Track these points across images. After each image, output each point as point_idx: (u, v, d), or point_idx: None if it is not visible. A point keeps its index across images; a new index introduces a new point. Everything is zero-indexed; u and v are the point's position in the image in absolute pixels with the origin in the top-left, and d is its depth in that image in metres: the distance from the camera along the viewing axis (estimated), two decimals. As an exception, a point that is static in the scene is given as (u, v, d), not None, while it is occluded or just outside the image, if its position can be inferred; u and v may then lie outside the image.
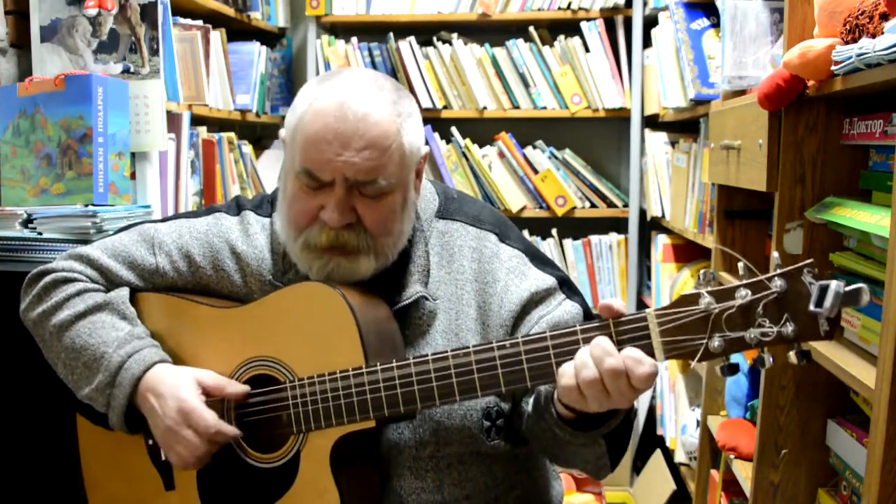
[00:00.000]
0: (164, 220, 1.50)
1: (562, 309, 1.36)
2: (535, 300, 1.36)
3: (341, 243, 1.29)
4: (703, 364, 1.19)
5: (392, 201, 1.29)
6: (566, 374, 1.13)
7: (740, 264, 1.10)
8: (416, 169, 1.34)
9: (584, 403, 1.14)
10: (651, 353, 1.11)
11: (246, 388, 1.33)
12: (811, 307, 1.05)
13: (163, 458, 1.38)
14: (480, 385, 1.20)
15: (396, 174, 1.28)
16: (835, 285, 1.03)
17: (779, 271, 1.07)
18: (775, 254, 1.09)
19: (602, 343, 1.11)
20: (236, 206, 1.47)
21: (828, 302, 1.03)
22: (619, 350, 1.11)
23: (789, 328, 1.07)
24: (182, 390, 1.30)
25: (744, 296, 1.08)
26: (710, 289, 1.10)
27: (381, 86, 1.30)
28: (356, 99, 1.26)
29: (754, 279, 1.08)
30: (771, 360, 1.09)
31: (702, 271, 1.12)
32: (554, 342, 1.16)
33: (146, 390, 1.32)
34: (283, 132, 1.35)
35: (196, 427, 1.28)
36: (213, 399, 1.33)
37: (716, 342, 1.09)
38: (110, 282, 1.44)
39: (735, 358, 1.15)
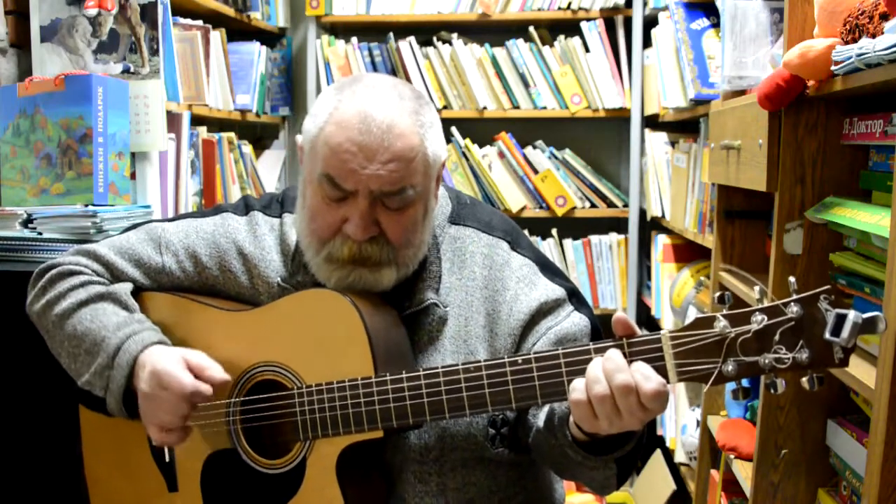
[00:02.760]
0: (172, 219, 1.49)
1: (570, 321, 1.35)
2: (544, 311, 1.35)
3: (364, 257, 1.28)
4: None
5: (414, 212, 1.29)
6: (577, 389, 1.12)
7: (756, 287, 1.09)
8: (437, 176, 1.34)
9: (595, 423, 1.12)
10: (664, 375, 1.10)
11: (226, 377, 1.30)
12: (827, 335, 1.04)
13: (166, 459, 1.38)
14: (491, 401, 1.19)
15: (422, 183, 1.28)
16: (853, 316, 1.02)
17: (795, 297, 1.06)
18: (791, 279, 1.08)
19: (614, 357, 1.10)
20: (244, 206, 1.46)
21: (845, 333, 1.02)
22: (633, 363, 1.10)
23: (804, 355, 1.06)
24: (163, 360, 1.29)
25: (759, 321, 1.07)
26: (725, 312, 1.09)
27: (402, 94, 1.29)
28: (379, 110, 1.24)
29: (770, 304, 1.07)
30: (784, 384, 1.09)
31: (717, 293, 1.11)
32: (566, 360, 1.16)
33: (138, 367, 1.31)
34: (300, 139, 1.34)
35: (170, 387, 1.26)
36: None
37: (729, 366, 1.08)
38: (116, 278, 1.43)
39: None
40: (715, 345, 1.09)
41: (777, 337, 1.07)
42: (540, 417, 1.32)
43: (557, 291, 1.37)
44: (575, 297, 1.39)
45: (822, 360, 1.06)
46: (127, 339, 1.32)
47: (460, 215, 1.42)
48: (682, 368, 1.10)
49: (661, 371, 1.11)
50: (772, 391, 1.09)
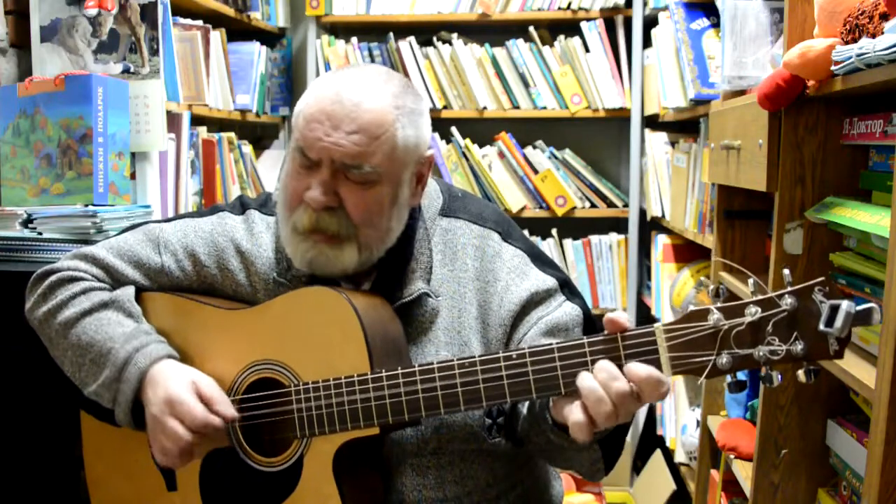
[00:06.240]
0: (169, 219, 1.50)
1: (562, 310, 1.36)
2: (535, 301, 1.36)
3: (322, 227, 1.28)
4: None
5: (379, 193, 1.29)
6: (575, 415, 1.11)
7: (750, 280, 1.09)
8: (417, 171, 1.33)
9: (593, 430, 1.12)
10: (658, 369, 1.10)
11: (235, 414, 1.30)
12: (821, 326, 1.04)
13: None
14: (486, 396, 1.19)
15: (385, 165, 1.27)
16: (846, 305, 1.02)
17: (789, 289, 1.06)
18: (786, 271, 1.08)
19: (606, 367, 1.11)
20: (240, 206, 1.48)
21: (838, 322, 1.02)
22: (625, 365, 1.11)
23: (798, 347, 1.06)
24: (175, 383, 1.29)
25: (753, 313, 1.07)
26: (719, 305, 1.09)
27: (389, 79, 1.30)
28: (357, 86, 1.27)
29: (764, 296, 1.07)
30: (779, 377, 1.08)
31: (712, 286, 1.10)
32: (561, 354, 1.16)
33: (147, 383, 1.31)
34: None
35: (182, 417, 1.27)
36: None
37: (724, 359, 1.08)
38: (116, 280, 1.44)
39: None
40: (709, 337, 1.09)
41: (771, 329, 1.06)
42: (524, 405, 1.32)
43: (549, 282, 1.37)
44: (567, 287, 1.39)
45: (816, 351, 1.06)
46: (135, 353, 1.33)
47: (451, 208, 1.43)
48: (677, 361, 1.10)
49: (655, 364, 1.10)
50: (767, 384, 1.09)
